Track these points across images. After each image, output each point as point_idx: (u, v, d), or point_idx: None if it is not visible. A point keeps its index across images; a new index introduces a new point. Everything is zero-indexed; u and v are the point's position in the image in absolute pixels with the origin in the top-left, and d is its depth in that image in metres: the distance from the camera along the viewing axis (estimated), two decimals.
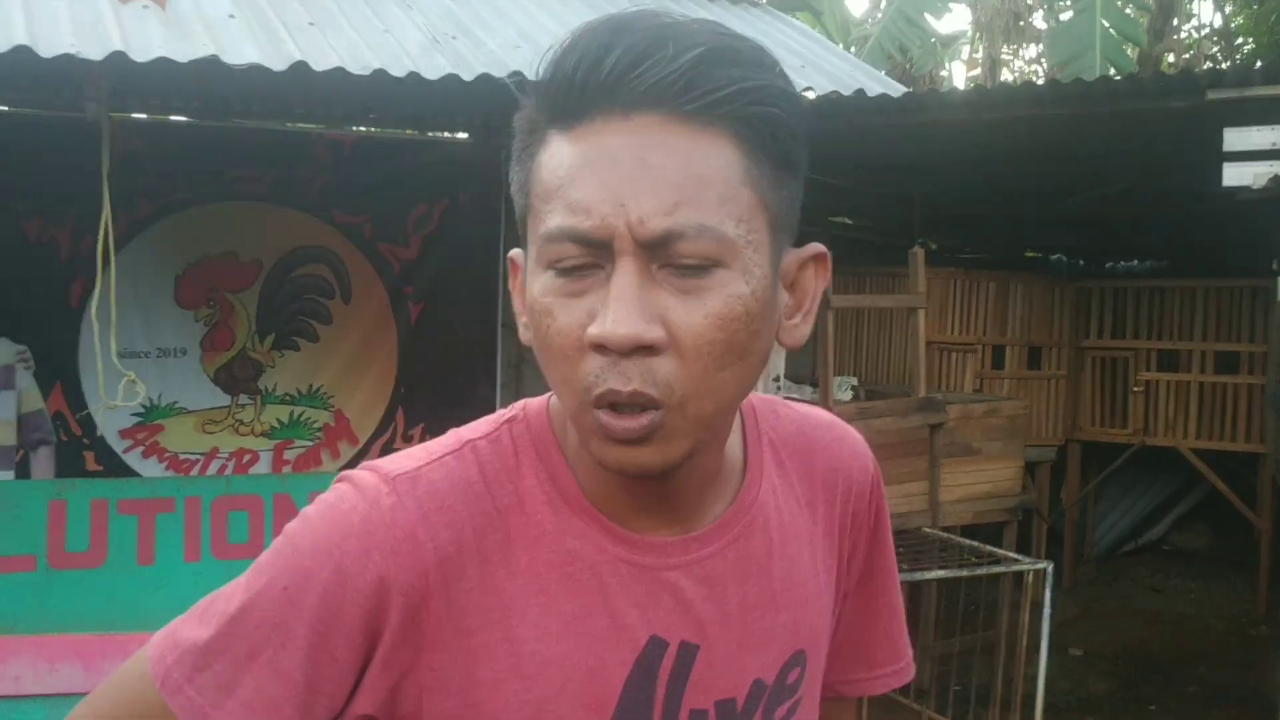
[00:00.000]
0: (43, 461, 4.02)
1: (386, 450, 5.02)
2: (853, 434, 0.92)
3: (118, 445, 4.70)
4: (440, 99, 4.25)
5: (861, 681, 0.96)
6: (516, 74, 3.10)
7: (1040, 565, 3.89)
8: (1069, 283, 6.96)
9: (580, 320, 0.69)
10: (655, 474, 0.73)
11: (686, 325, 0.68)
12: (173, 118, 4.96)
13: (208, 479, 4.55)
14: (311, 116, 5.16)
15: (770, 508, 0.84)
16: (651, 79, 0.67)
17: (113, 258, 3.29)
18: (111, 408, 3.70)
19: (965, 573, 3.93)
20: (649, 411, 0.69)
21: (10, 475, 3.90)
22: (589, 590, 0.77)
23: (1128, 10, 8.91)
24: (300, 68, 2.98)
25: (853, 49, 10.04)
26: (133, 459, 4.73)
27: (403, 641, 0.75)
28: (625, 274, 0.68)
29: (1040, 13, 11.54)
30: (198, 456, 4.84)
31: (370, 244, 4.99)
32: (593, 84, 0.68)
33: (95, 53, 2.81)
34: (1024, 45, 12.61)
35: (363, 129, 5.47)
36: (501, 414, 0.83)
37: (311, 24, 3.33)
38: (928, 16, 10.47)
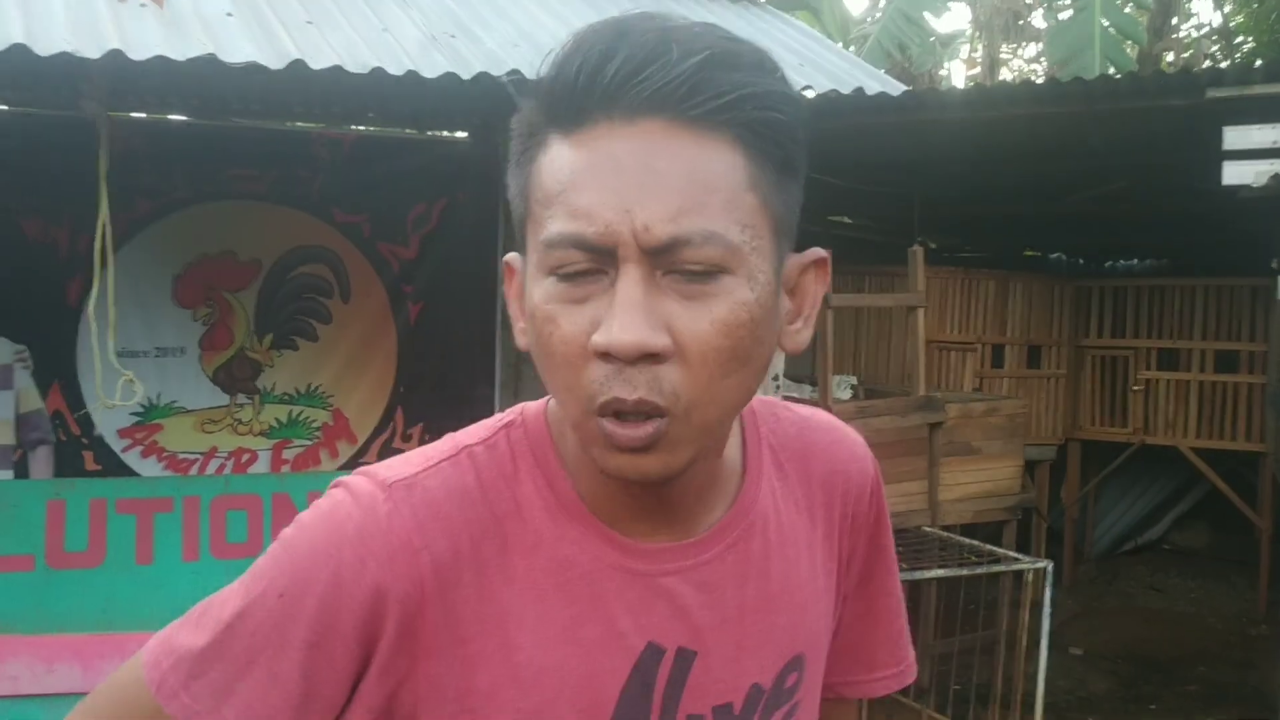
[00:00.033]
0: (41, 461, 4.01)
1: (386, 449, 5.02)
2: (853, 436, 0.92)
3: (116, 445, 4.70)
4: (439, 98, 4.25)
5: (862, 683, 0.95)
6: (515, 72, 3.10)
7: (1040, 564, 3.88)
8: (1068, 281, 6.96)
9: (584, 328, 0.68)
10: (658, 481, 0.72)
11: (692, 332, 0.68)
12: (171, 117, 4.95)
13: (206, 478, 4.54)
14: (310, 116, 5.16)
15: (769, 512, 0.83)
16: (656, 84, 0.66)
17: (111, 257, 3.28)
18: (110, 407, 3.70)
19: (965, 572, 3.92)
20: (654, 419, 0.68)
21: (9, 475, 3.90)
22: (585, 598, 0.77)
23: (1127, 9, 8.90)
24: (298, 66, 2.98)
25: (852, 48, 10.03)
26: (131, 458, 4.73)
27: (399, 649, 0.74)
28: (630, 281, 0.67)
29: (1040, 11, 11.53)
30: (196, 456, 4.83)
31: (369, 243, 4.98)
32: (596, 88, 0.68)
33: (93, 51, 2.81)
34: (1023, 44, 12.63)
35: (361, 128, 5.46)
36: (499, 419, 0.82)
37: (309, 22, 3.32)
38: (927, 15, 10.46)
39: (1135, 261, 8.31)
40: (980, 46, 12.21)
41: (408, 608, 0.74)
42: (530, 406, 0.83)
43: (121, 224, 4.41)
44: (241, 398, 4.89)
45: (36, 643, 3.23)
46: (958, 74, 13.90)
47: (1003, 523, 5.13)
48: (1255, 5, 9.68)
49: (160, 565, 3.39)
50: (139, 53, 2.84)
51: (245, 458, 4.89)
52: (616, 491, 0.77)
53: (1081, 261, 8.30)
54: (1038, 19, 11.69)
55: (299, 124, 5.54)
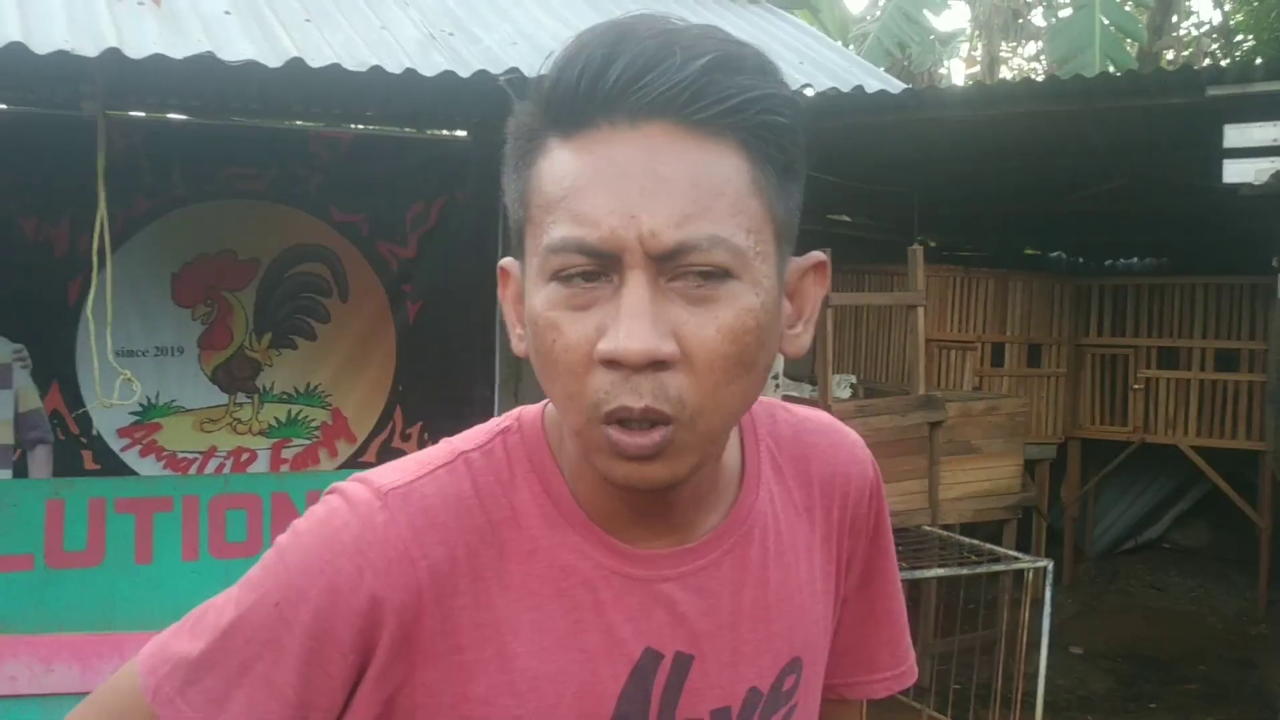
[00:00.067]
0: (40, 460, 4.01)
1: (385, 448, 5.02)
2: (852, 438, 0.92)
3: (115, 444, 4.69)
4: (438, 96, 4.24)
5: (863, 684, 0.95)
6: (513, 71, 3.09)
7: (1040, 563, 3.88)
8: (1068, 280, 6.96)
9: (588, 335, 0.67)
10: (663, 489, 0.72)
11: (699, 339, 0.67)
12: (170, 115, 4.95)
13: (206, 478, 4.54)
14: (309, 114, 5.15)
15: (767, 516, 0.83)
16: (660, 88, 0.66)
17: (109, 256, 3.27)
18: (108, 406, 3.69)
19: (965, 571, 3.92)
20: (660, 427, 0.68)
21: (8, 474, 3.90)
22: (583, 605, 0.76)
23: (1127, 7, 8.89)
24: (296, 64, 2.97)
25: (851, 46, 10.02)
26: (130, 458, 4.72)
27: (395, 659, 0.74)
28: (637, 287, 0.66)
29: (1039, 10, 11.53)
30: (195, 455, 4.82)
31: (368, 242, 4.98)
32: (598, 92, 0.67)
33: (90, 49, 2.80)
34: (1023, 42, 12.62)
35: (360, 127, 5.45)
36: (495, 424, 0.82)
37: (308, 20, 3.31)
38: (926, 13, 10.46)
39: (1135, 260, 8.30)
40: (980, 45, 12.21)
41: (404, 617, 0.73)
42: (527, 411, 0.82)
43: (120, 223, 4.41)
44: (240, 397, 4.88)
45: (35, 642, 3.23)
46: (957, 73, 13.90)
47: (1003, 522, 5.13)
48: (1255, 3, 9.67)
49: (159, 565, 3.39)
50: (136, 51, 2.83)
51: (244, 457, 4.88)
52: (615, 498, 0.76)
53: (1081, 260, 8.30)
54: (1037, 17, 11.68)
55: (298, 123, 5.53)
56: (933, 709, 4.28)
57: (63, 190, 4.33)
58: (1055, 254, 8.31)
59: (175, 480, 4.32)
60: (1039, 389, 6.65)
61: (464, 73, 3.14)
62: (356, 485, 0.77)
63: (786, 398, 4.60)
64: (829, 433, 0.90)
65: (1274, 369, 6.08)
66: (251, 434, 4.89)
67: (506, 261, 0.79)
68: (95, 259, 3.22)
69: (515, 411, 0.83)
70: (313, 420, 4.97)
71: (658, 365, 0.67)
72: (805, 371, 5.58)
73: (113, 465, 4.64)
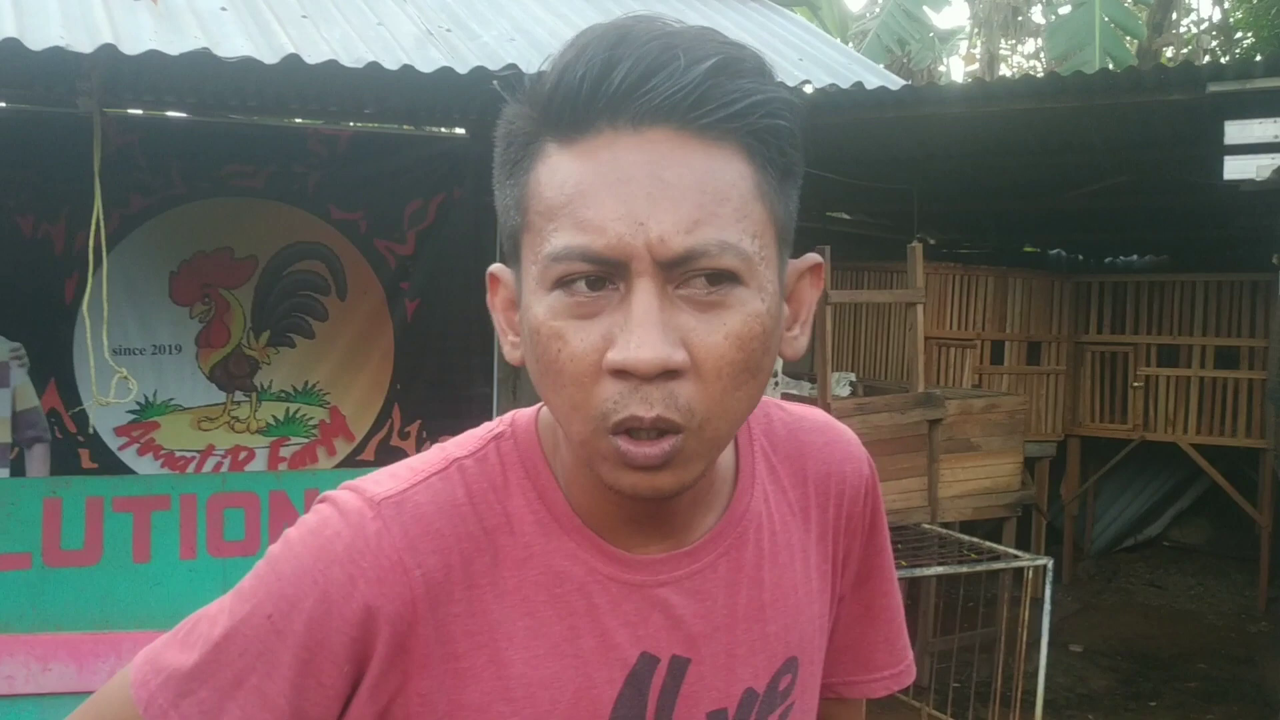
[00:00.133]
0: (38, 459, 4.01)
1: (383, 447, 5.01)
2: (847, 435, 0.91)
3: (113, 443, 4.68)
4: (435, 93, 4.23)
5: (861, 683, 0.95)
6: (511, 66, 3.08)
7: (1040, 561, 3.88)
8: (1068, 277, 6.95)
9: (595, 344, 0.67)
10: (670, 497, 0.71)
11: (707, 346, 0.67)
12: (167, 113, 4.94)
13: (203, 476, 4.53)
14: (306, 112, 5.14)
15: (762, 516, 0.83)
16: (665, 93, 0.65)
17: (105, 254, 3.26)
18: (104, 404, 3.68)
19: (965, 569, 3.92)
20: (669, 436, 0.67)
21: (5, 473, 3.90)
22: (578, 611, 0.76)
23: (1127, 4, 8.88)
24: (292, 60, 2.96)
25: (851, 44, 10.02)
26: (128, 456, 4.71)
27: (390, 668, 0.74)
28: (645, 295, 0.66)
29: (1039, 7, 11.52)
30: (193, 454, 4.82)
31: (366, 240, 4.97)
32: (600, 96, 0.66)
33: (85, 45, 2.79)
34: (1022, 40, 12.61)
35: (358, 124, 5.44)
36: (489, 429, 0.81)
37: (304, 17, 3.30)
38: (926, 10, 10.46)
39: (1135, 257, 8.30)
40: (979, 42, 12.20)
41: (399, 627, 0.73)
42: (521, 416, 0.82)
43: (117, 221, 4.40)
44: (238, 395, 4.88)
45: (32, 641, 3.23)
46: (956, 70, 13.89)
47: (1002, 519, 5.12)
48: (1254, 1, 9.66)
49: (157, 563, 3.38)
50: (132, 47, 2.82)
51: (242, 455, 4.88)
52: (611, 503, 0.76)
53: (1081, 257, 8.29)
54: (1037, 14, 11.67)
55: (296, 120, 5.52)
56: (932, 707, 4.27)
57: (60, 188, 4.32)
58: (1055, 251, 8.30)
59: (173, 479, 4.31)
60: (1038, 386, 6.64)
61: (461, 69, 3.13)
62: (348, 494, 0.76)
63: (786, 396, 4.60)
64: (824, 431, 0.90)
65: (1274, 366, 6.07)
66: (249, 432, 4.88)
67: (496, 268, 0.78)
68: (91, 257, 3.21)
69: (508, 416, 0.82)
70: (311, 419, 4.96)
71: (668, 374, 0.66)
72: (805, 370, 5.58)
73: (110, 464, 4.63)
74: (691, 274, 0.66)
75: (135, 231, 4.64)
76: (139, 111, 4.86)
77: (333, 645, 0.72)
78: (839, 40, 7.56)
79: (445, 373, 5.01)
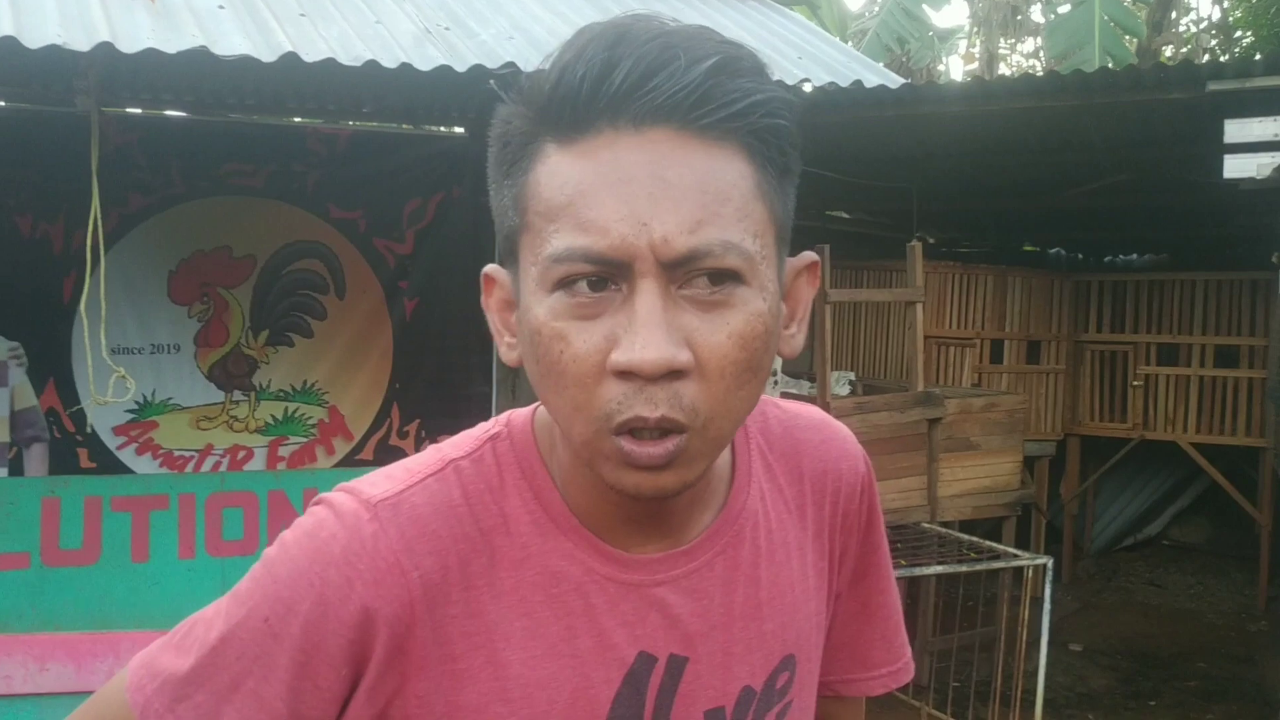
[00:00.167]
0: (36, 458, 4.02)
1: (382, 446, 5.00)
2: (843, 433, 0.91)
3: (111, 442, 4.67)
4: (434, 92, 4.23)
5: (859, 681, 0.95)
6: (509, 65, 3.07)
7: (1040, 560, 3.87)
8: (1068, 276, 6.95)
9: (598, 345, 0.67)
10: (673, 496, 0.72)
11: (710, 346, 0.67)
12: (166, 112, 4.93)
13: (202, 476, 4.52)
14: (305, 111, 5.13)
15: (758, 514, 0.83)
16: (666, 92, 0.65)
17: (103, 254, 3.26)
18: (102, 404, 3.68)
19: (964, 568, 3.91)
20: (673, 436, 0.67)
21: (4, 472, 3.90)
22: (575, 611, 0.76)
23: (1126, 2, 8.88)
24: (290, 59, 2.95)
25: (850, 43, 10.01)
26: (126, 456, 4.70)
27: (388, 670, 0.74)
28: (649, 296, 0.66)
29: (1038, 6, 11.51)
30: (192, 453, 4.81)
31: (365, 239, 4.96)
32: (601, 96, 0.66)
33: (82, 44, 2.78)
34: (1021, 39, 12.61)
35: (357, 123, 5.44)
36: (484, 430, 0.81)
37: (302, 15, 3.30)
38: (926, 8, 10.45)
39: (1135, 256, 8.30)
40: (978, 41, 12.19)
41: (396, 629, 0.73)
42: (516, 416, 0.82)
43: (115, 220, 4.39)
44: (237, 394, 4.87)
45: (30, 641, 3.22)
46: (956, 69, 13.87)
47: (1002, 519, 5.12)
48: (1254, 0, 9.66)
49: (156, 563, 3.38)
50: (130, 46, 2.82)
51: (241, 455, 4.87)
52: (609, 503, 0.76)
53: (1081, 256, 8.29)
54: (1036, 13, 11.66)
55: (295, 119, 5.51)
56: (932, 707, 4.27)
57: (59, 187, 4.31)
58: (1054, 250, 8.30)
59: (171, 478, 4.31)
60: (1038, 385, 6.64)
61: (460, 67, 3.12)
62: (343, 496, 0.76)
63: (785, 395, 4.59)
64: (820, 428, 0.90)
65: (1274, 365, 6.07)
66: (248, 432, 4.88)
67: (491, 268, 0.78)
68: (89, 256, 3.21)
69: (504, 416, 0.82)
70: (309, 418, 4.95)
71: (672, 374, 0.66)
72: (804, 369, 5.57)
73: (109, 463, 4.63)
74: (694, 274, 0.66)
75: (134, 231, 4.63)
76: (137, 110, 4.85)
77: (330, 648, 0.72)
78: (838, 39, 7.55)
79: (444, 372, 5.00)
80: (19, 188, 4.44)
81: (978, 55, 12.21)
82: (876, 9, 10.89)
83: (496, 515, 0.76)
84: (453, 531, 0.75)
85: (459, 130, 5.26)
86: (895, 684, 0.96)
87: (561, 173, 0.67)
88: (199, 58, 2.90)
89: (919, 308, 4.60)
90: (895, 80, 3.91)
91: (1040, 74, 6.45)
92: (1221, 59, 9.38)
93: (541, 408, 0.80)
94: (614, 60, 0.66)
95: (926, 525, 4.42)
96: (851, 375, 5.58)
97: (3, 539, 3.24)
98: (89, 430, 4.49)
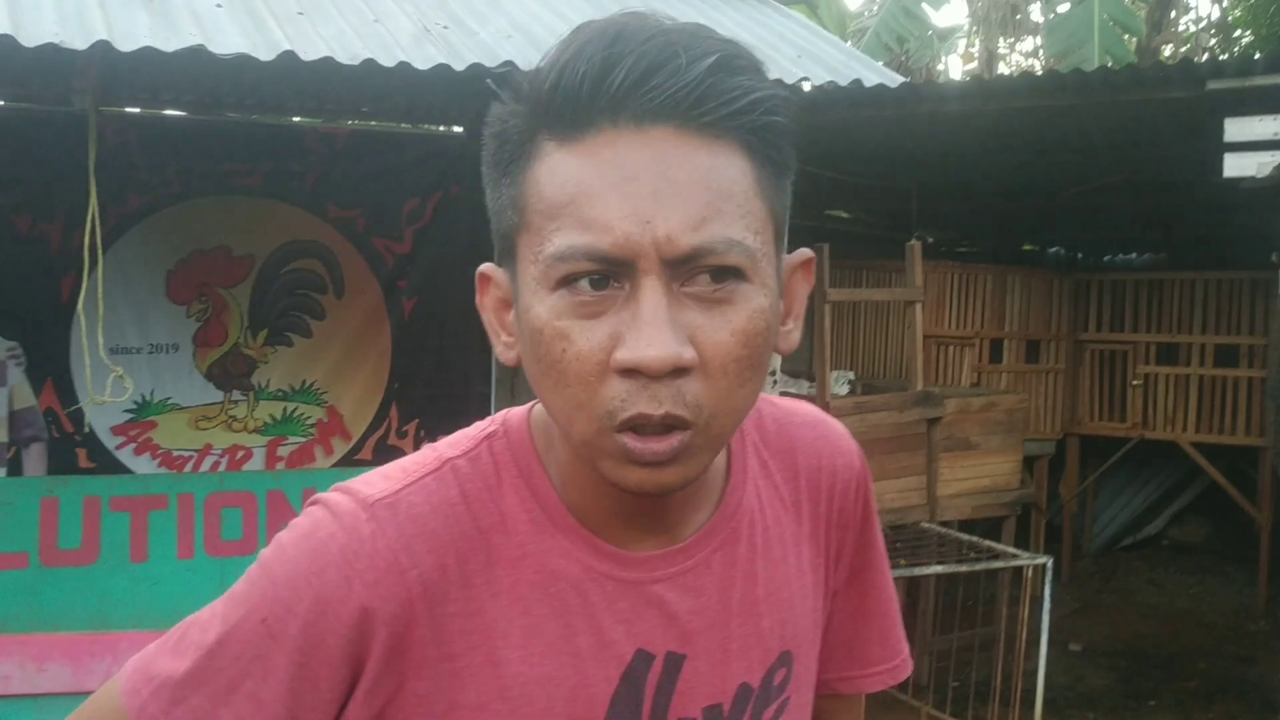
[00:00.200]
0: (35, 458, 4.01)
1: (380, 446, 5.00)
2: (837, 429, 0.91)
3: (110, 442, 4.67)
4: (433, 91, 4.22)
5: (857, 679, 0.95)
6: (508, 64, 3.07)
7: (1040, 560, 3.87)
8: (1067, 275, 6.95)
9: (601, 343, 0.67)
10: (675, 492, 0.72)
11: (714, 343, 0.67)
12: (164, 111, 4.93)
13: (201, 475, 4.52)
14: (304, 110, 5.13)
15: (754, 511, 0.83)
16: (667, 90, 0.65)
17: (100, 253, 3.25)
18: (99, 404, 3.67)
19: (964, 568, 3.91)
20: (677, 432, 0.68)
21: (2, 472, 3.89)
22: (573, 609, 0.76)
23: (1125, 1, 8.87)
24: (288, 57, 2.95)
25: (850, 42, 10.00)
26: (125, 456, 4.70)
27: (387, 670, 0.73)
28: (653, 294, 0.66)
29: (1037, 5, 11.51)
30: (191, 453, 4.81)
31: (363, 238, 4.96)
32: (602, 94, 0.66)
33: (79, 42, 2.78)
34: (1020, 38, 12.60)
35: (355, 122, 5.43)
36: (481, 429, 0.81)
37: (300, 14, 3.29)
38: (925, 8, 10.44)
39: (1134, 255, 8.30)
40: (978, 41, 12.20)
41: (395, 628, 0.73)
42: (512, 415, 0.82)
43: (114, 219, 4.39)
44: (236, 394, 4.86)
45: (28, 642, 3.22)
46: (955, 69, 13.87)
47: (1001, 518, 5.12)
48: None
49: (155, 563, 3.37)
50: (127, 44, 2.81)
51: (240, 455, 4.87)
52: (607, 500, 0.76)
53: (1080, 255, 8.29)
54: (1035, 12, 11.66)
55: (294, 119, 5.51)
56: (931, 707, 4.26)
57: (57, 186, 4.31)
58: (1054, 249, 8.30)
59: (170, 478, 4.30)
60: (1037, 385, 6.63)
61: (458, 66, 3.11)
62: (340, 496, 0.76)
63: (784, 394, 4.58)
64: (814, 425, 0.90)
65: (1274, 364, 6.07)
66: (247, 431, 4.87)
67: (487, 267, 0.77)
68: (87, 256, 3.20)
69: (500, 415, 0.82)
70: (308, 418, 4.95)
71: (676, 372, 0.66)
72: (803, 368, 5.57)
73: (107, 463, 4.62)
74: (697, 271, 0.67)
75: (132, 230, 4.63)
76: (136, 110, 4.85)
77: (328, 648, 0.72)
78: (837, 37, 7.54)
79: (443, 371, 5.00)
80: (17, 187, 4.44)
81: (977, 54, 12.22)
82: (876, 8, 10.89)
83: (494, 514, 0.76)
84: (451, 530, 0.75)
85: (457, 129, 5.25)
86: (893, 680, 0.96)
87: (562, 171, 0.67)
88: (196, 56, 2.90)
89: (918, 307, 4.60)
90: (895, 79, 3.91)
91: (1040, 73, 6.44)
92: (1221, 58, 9.38)
93: (538, 406, 0.79)
94: (614, 58, 0.66)
95: (926, 525, 4.42)
96: (851, 375, 5.58)
97: (1, 539, 3.23)
98: (87, 430, 4.49)
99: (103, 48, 2.81)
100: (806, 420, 0.90)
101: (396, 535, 0.73)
